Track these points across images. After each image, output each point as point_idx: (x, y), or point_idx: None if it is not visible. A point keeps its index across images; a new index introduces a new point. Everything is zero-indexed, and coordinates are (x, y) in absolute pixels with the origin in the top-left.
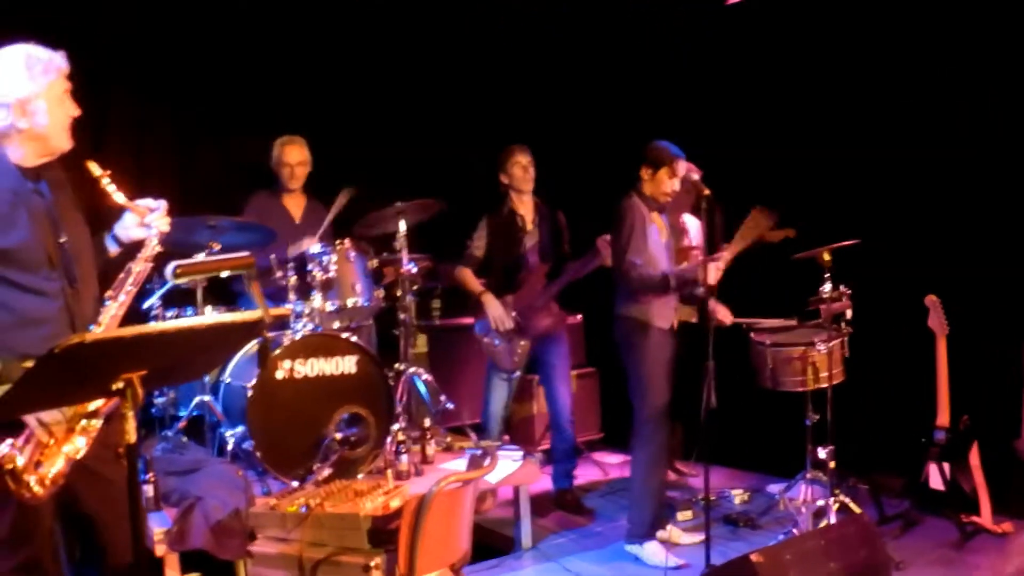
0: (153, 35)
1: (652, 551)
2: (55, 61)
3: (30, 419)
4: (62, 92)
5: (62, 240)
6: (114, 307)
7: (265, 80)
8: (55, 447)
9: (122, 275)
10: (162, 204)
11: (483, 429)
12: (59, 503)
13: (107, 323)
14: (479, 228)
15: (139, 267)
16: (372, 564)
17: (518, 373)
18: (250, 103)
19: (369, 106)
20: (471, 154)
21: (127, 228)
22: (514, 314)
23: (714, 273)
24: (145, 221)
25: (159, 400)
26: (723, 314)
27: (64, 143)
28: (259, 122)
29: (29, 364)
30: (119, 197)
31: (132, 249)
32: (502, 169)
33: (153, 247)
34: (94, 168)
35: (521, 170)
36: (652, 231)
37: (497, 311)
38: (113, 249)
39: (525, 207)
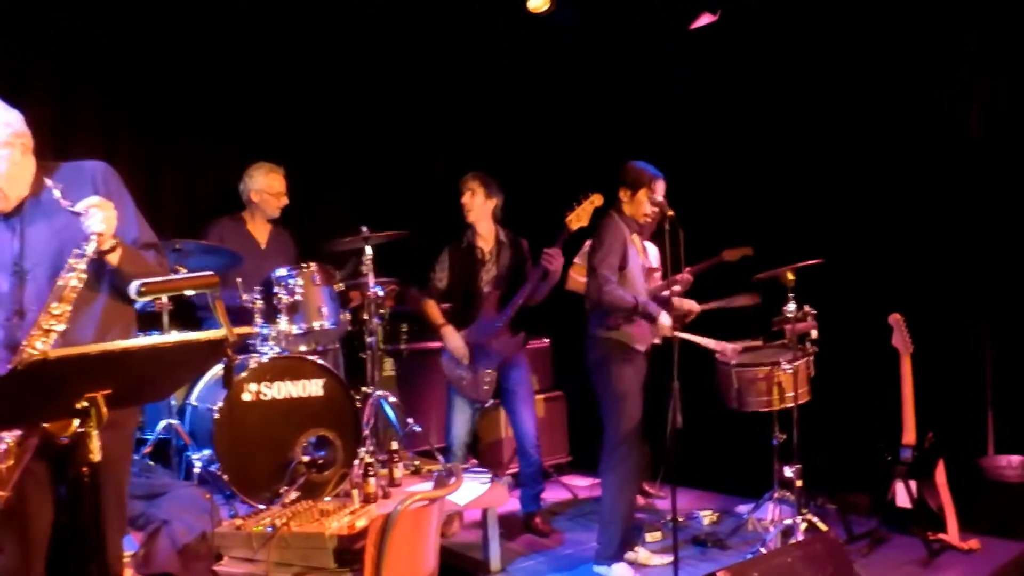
0: (118, 57)
1: (620, 572)
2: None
3: None
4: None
5: (25, 267)
6: (43, 326)
7: (231, 105)
8: None
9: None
10: (91, 200)
11: (448, 452)
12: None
13: (31, 345)
14: (441, 259)
15: (65, 283)
16: None
17: (491, 402)
18: (216, 128)
19: (334, 130)
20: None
21: None
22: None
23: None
24: (87, 223)
25: None
26: (690, 304)
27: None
28: (225, 147)
29: None
30: (69, 205)
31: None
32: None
33: (85, 254)
34: (47, 180)
35: (467, 197)
36: (632, 253)
37: (455, 343)
38: (112, 260)
39: (483, 238)
